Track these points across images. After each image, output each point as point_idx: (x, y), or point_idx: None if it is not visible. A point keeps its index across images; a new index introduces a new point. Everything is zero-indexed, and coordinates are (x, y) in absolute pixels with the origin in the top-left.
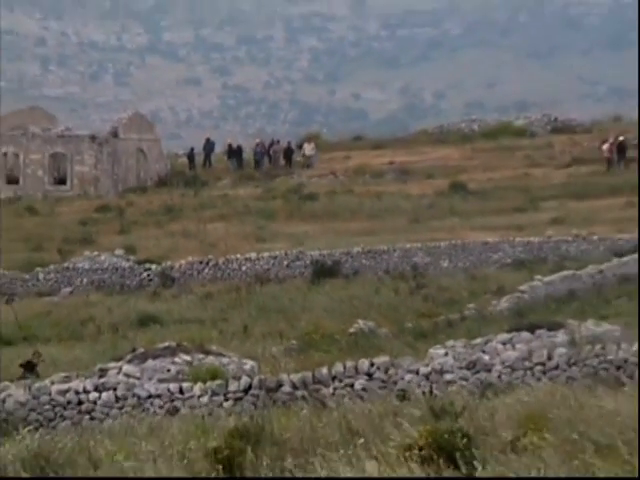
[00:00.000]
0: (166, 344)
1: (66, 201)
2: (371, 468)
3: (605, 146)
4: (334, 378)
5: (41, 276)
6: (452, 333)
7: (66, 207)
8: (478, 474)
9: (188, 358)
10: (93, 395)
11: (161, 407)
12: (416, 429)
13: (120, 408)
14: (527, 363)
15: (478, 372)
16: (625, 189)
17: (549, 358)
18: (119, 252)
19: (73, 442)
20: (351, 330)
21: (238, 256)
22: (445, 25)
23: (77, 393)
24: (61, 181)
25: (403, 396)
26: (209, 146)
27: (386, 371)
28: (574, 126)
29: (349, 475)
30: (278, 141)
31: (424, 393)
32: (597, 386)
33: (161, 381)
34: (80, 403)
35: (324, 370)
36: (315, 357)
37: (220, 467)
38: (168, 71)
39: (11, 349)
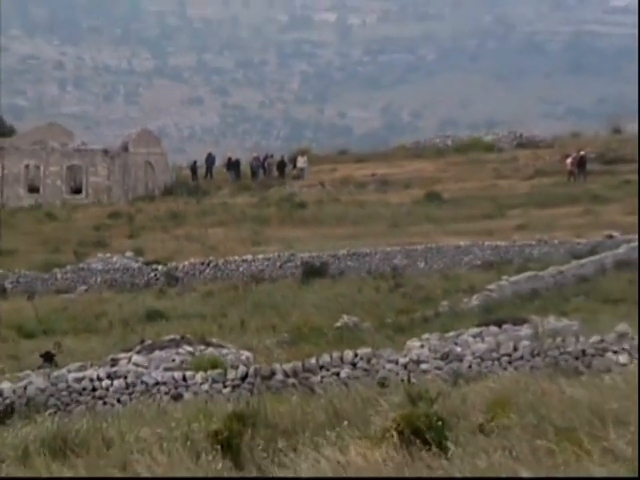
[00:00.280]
0: (171, 337)
1: (82, 208)
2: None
3: (568, 160)
4: (322, 367)
5: (59, 275)
6: (428, 327)
7: (81, 213)
8: (451, 454)
9: (191, 349)
10: (106, 382)
11: (166, 393)
12: (395, 413)
13: (130, 394)
14: (495, 354)
15: (451, 362)
16: (583, 198)
17: (515, 349)
18: (129, 254)
19: (88, 425)
20: (337, 324)
21: (236, 258)
22: (421, 51)
23: (91, 380)
24: (77, 190)
25: (383, 384)
26: (210, 159)
27: (368, 361)
28: (537, 142)
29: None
30: (272, 155)
31: (402, 381)
32: (558, 375)
33: (167, 370)
34: (94, 390)
35: (313, 360)
36: (305, 348)
37: (219, 447)
38: (173, 92)
39: (32, 341)
